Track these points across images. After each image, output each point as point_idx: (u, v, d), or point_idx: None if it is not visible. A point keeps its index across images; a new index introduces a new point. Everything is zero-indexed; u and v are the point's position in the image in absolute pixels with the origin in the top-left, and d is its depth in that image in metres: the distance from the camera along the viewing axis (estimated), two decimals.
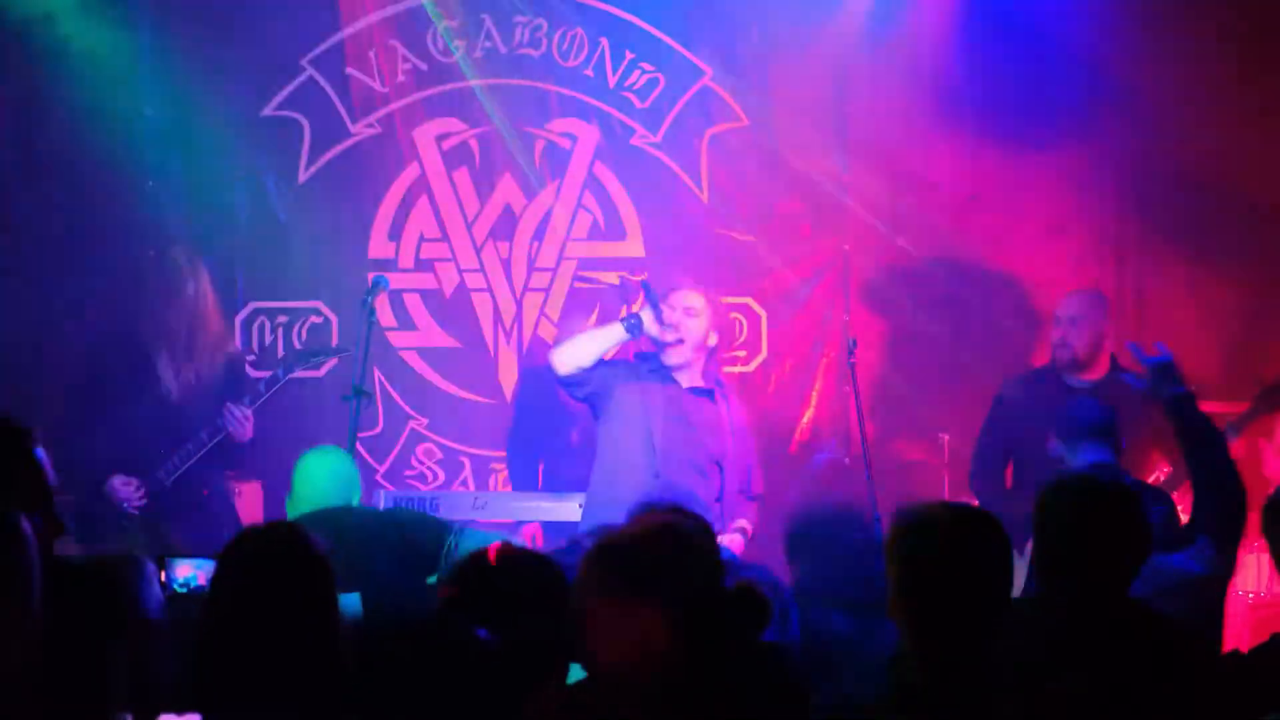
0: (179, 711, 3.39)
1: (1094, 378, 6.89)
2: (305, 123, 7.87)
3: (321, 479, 5.61)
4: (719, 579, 3.31)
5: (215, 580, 3.46)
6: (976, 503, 6.29)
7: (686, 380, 6.53)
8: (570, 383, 6.53)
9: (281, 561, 3.43)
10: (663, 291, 6.54)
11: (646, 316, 6.48)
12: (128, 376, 6.92)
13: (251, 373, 7.23)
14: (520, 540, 4.60)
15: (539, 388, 7.59)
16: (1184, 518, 6.09)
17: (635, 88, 7.94)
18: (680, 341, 6.49)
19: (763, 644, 3.33)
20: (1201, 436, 5.19)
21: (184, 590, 3.74)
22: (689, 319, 6.51)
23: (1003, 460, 6.91)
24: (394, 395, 7.91)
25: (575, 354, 6.51)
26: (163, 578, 3.75)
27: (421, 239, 7.97)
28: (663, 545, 3.24)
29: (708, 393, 6.57)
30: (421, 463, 7.98)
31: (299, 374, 7.00)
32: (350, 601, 4.72)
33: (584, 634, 3.20)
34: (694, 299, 6.55)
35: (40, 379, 7.39)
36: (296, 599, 3.38)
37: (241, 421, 6.70)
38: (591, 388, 6.50)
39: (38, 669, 3.26)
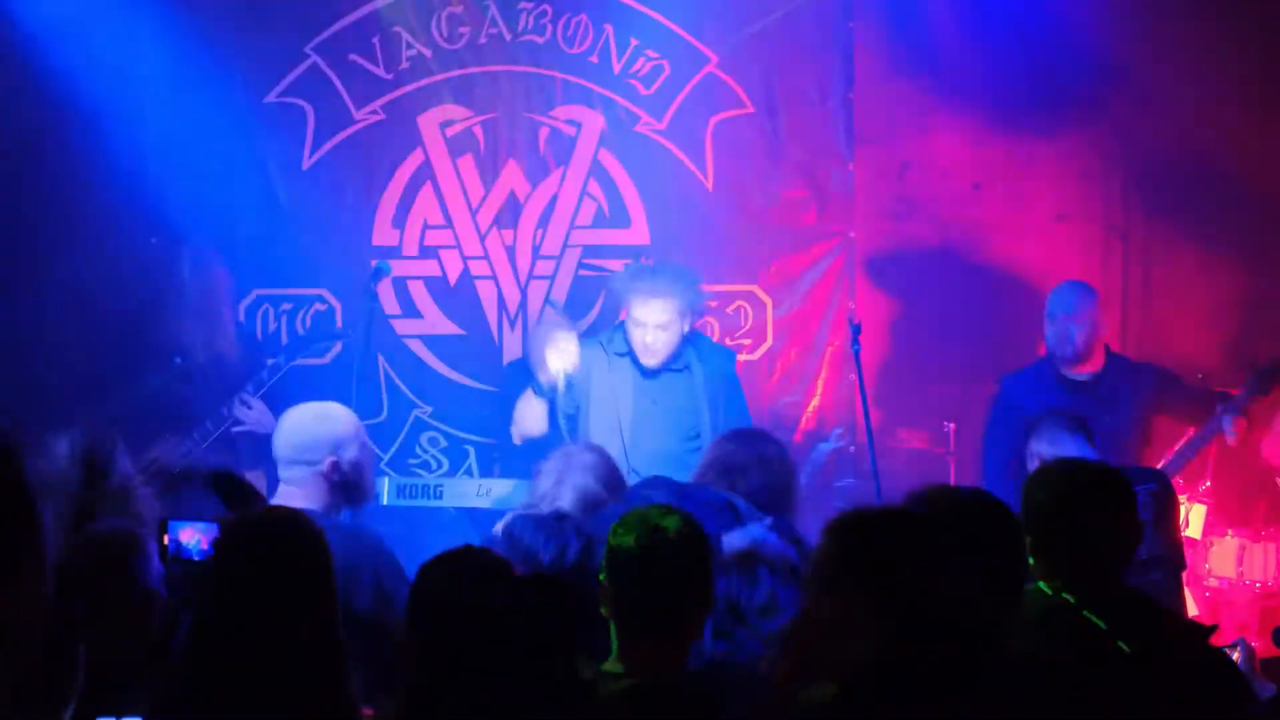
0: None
1: (1092, 369, 6.91)
2: (309, 109, 7.83)
3: None
4: None
5: (214, 566, 3.45)
6: None
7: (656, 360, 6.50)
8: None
9: (282, 546, 3.42)
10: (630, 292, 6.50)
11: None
12: (131, 364, 6.93)
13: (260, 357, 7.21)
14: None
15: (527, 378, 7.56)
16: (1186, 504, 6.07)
17: (640, 74, 7.91)
18: (654, 356, 6.46)
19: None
20: None
21: (186, 558, 3.71)
22: (663, 334, 6.42)
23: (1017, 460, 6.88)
24: (398, 382, 7.89)
25: (526, 429, 6.62)
26: (165, 540, 3.72)
27: (426, 226, 7.94)
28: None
29: (679, 370, 6.51)
30: (426, 450, 7.95)
31: (302, 361, 7.01)
32: None
33: None
34: (661, 311, 6.42)
35: (43, 366, 7.38)
36: (296, 584, 3.37)
37: (258, 417, 6.70)
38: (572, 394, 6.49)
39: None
